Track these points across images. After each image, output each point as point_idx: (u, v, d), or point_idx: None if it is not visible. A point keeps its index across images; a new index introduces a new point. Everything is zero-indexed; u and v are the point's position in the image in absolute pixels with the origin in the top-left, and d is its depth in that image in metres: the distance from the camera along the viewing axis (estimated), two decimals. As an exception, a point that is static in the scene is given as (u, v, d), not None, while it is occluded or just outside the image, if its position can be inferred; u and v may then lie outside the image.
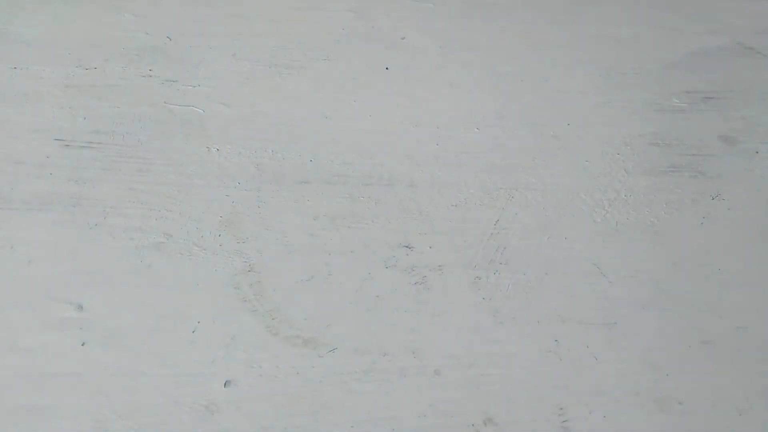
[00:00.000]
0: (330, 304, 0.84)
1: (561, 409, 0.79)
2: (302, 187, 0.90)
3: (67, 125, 0.95)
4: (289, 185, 0.90)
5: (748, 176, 0.96)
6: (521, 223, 0.92)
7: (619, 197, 0.94)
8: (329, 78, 0.98)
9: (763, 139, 0.95)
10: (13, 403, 0.78)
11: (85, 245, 0.87)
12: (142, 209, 0.89)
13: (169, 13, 1.05)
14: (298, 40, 1.01)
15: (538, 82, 0.97)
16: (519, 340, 0.84)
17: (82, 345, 0.81)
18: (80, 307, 0.83)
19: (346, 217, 0.88)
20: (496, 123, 0.94)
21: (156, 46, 1.01)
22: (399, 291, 0.84)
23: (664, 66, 0.97)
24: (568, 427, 0.77)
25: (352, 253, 0.86)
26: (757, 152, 0.94)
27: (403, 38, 1.00)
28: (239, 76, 0.99)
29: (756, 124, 0.96)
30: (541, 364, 0.83)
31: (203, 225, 0.88)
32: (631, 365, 0.85)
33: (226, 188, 0.91)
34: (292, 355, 0.81)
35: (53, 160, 0.92)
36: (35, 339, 0.81)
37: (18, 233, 0.87)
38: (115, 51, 1.01)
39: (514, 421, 0.78)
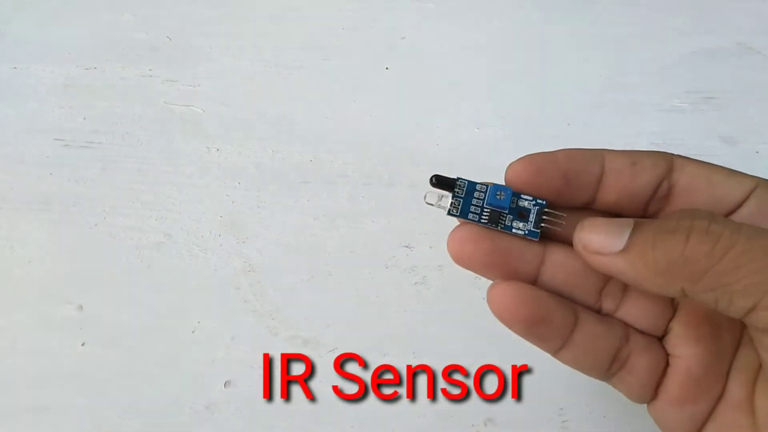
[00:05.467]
0: (330, 304, 0.83)
1: (561, 409, 0.79)
2: (302, 187, 0.90)
3: (67, 125, 0.95)
4: (289, 185, 0.90)
5: (748, 176, 0.96)
6: (521, 223, 0.92)
7: (619, 197, 0.94)
8: (329, 78, 0.98)
9: (763, 139, 0.95)
10: (13, 403, 0.78)
11: (85, 245, 0.87)
12: (142, 209, 0.89)
13: (169, 13, 1.04)
14: (298, 40, 1.01)
15: (538, 82, 0.97)
16: (519, 339, 0.84)
17: (82, 345, 0.81)
18: (80, 307, 0.83)
19: (346, 217, 0.88)
20: (496, 123, 0.94)
21: (156, 46, 1.01)
22: (399, 291, 0.84)
23: (664, 66, 0.97)
24: (568, 427, 0.77)
25: (352, 253, 0.86)
26: (757, 152, 0.94)
27: (403, 38, 1.00)
28: (239, 76, 0.99)
29: (756, 124, 0.96)
30: (541, 364, 0.82)
31: (203, 225, 0.88)
32: (631, 365, 0.84)
33: (226, 188, 0.91)
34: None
35: (53, 160, 0.92)
36: (35, 339, 0.81)
37: (18, 233, 0.87)
38: (115, 51, 1.01)
39: (514, 421, 0.78)
